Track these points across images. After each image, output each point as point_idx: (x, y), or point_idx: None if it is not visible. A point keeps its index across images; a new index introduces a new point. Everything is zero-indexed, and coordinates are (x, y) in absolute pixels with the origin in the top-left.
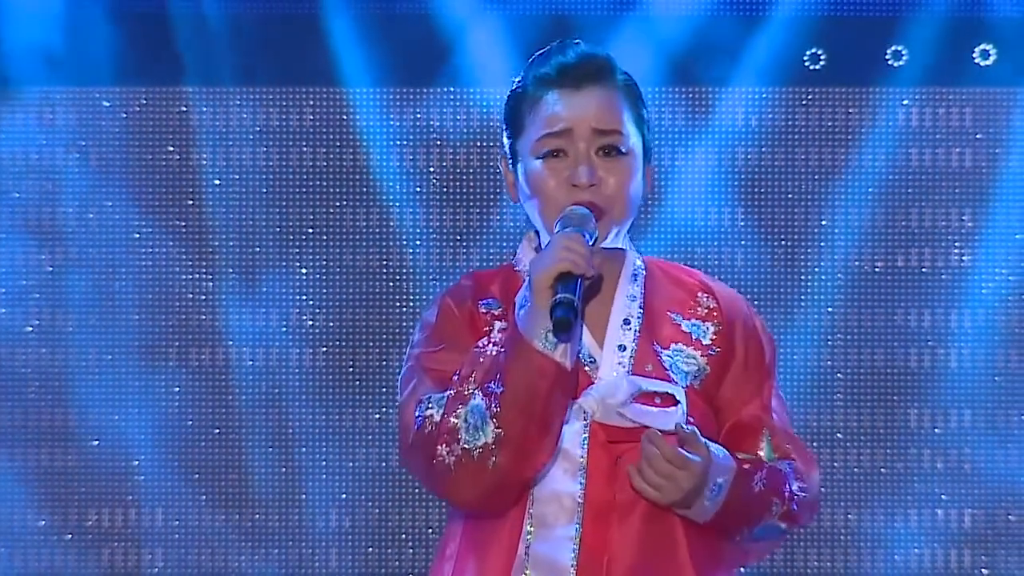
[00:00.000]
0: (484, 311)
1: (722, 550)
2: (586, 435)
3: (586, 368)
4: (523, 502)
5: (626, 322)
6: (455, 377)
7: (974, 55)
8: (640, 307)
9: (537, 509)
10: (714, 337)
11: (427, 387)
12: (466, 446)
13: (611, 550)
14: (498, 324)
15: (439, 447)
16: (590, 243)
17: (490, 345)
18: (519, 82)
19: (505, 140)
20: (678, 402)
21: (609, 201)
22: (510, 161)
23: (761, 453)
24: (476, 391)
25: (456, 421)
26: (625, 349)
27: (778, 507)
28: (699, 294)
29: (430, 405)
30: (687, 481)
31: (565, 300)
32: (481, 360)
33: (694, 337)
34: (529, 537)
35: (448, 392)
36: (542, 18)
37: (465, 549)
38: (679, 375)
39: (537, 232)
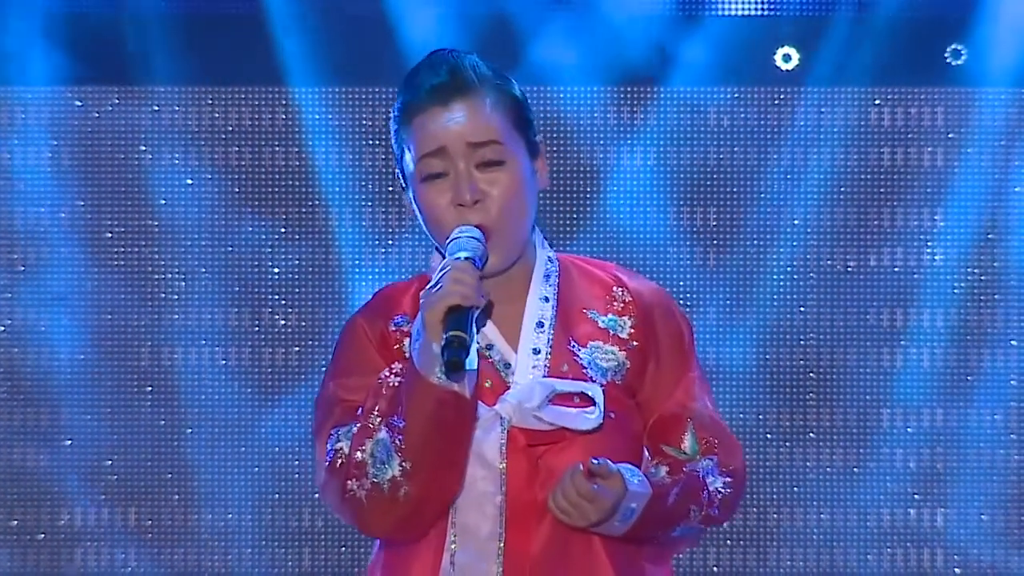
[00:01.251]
0: (394, 329)
1: (639, 546)
2: (504, 441)
3: (501, 373)
4: (445, 511)
5: (539, 324)
6: (360, 410)
7: (945, 55)
8: (554, 307)
9: (460, 518)
10: (632, 331)
11: (337, 419)
12: (375, 480)
13: (532, 551)
14: (407, 342)
15: (349, 481)
16: (480, 265)
17: (392, 376)
18: (394, 105)
19: (397, 165)
20: (596, 402)
21: (496, 219)
22: (403, 186)
23: (684, 446)
24: (381, 425)
25: (363, 456)
26: (539, 352)
27: (696, 513)
28: (614, 288)
29: (340, 439)
30: (595, 514)
31: (455, 339)
32: (384, 392)
33: (612, 332)
34: (453, 546)
35: (354, 425)
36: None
37: (390, 559)
38: (597, 372)
39: None
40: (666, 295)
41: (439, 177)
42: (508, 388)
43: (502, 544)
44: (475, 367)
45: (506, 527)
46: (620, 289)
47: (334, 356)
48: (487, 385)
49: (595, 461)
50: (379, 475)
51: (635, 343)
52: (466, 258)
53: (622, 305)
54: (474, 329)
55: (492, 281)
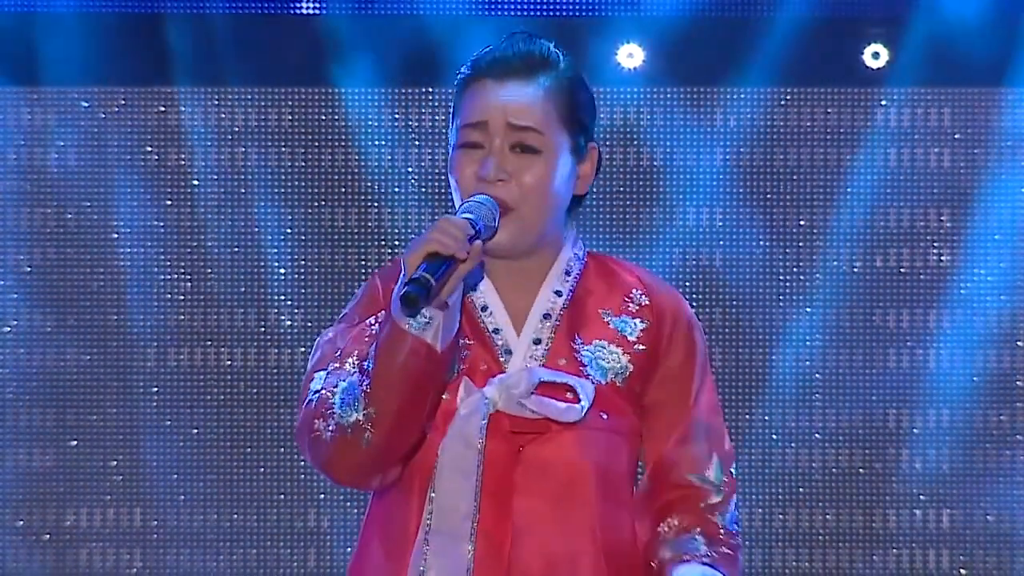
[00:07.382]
0: None
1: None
2: (484, 423)
3: (501, 359)
4: (425, 488)
5: (546, 316)
6: (339, 352)
7: (949, 55)
8: (565, 302)
9: (438, 495)
10: (641, 334)
11: (325, 362)
12: (340, 422)
13: (508, 534)
14: None
15: (316, 421)
16: (484, 233)
17: (376, 324)
18: (462, 68)
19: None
20: (581, 397)
21: (518, 198)
22: (451, 145)
23: (710, 475)
24: (355, 368)
25: (332, 397)
26: (540, 342)
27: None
28: (633, 291)
29: (319, 380)
30: None
31: (420, 278)
32: (367, 338)
33: (620, 333)
34: (429, 522)
35: (331, 366)
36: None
37: (372, 536)
38: (597, 371)
39: None
40: (684, 303)
41: (473, 147)
42: (502, 373)
43: (474, 524)
44: (455, 327)
45: (480, 508)
46: (639, 292)
47: (344, 311)
48: (482, 368)
49: None
50: (344, 417)
51: (642, 347)
52: (465, 217)
53: (637, 307)
54: (449, 281)
55: (511, 269)
